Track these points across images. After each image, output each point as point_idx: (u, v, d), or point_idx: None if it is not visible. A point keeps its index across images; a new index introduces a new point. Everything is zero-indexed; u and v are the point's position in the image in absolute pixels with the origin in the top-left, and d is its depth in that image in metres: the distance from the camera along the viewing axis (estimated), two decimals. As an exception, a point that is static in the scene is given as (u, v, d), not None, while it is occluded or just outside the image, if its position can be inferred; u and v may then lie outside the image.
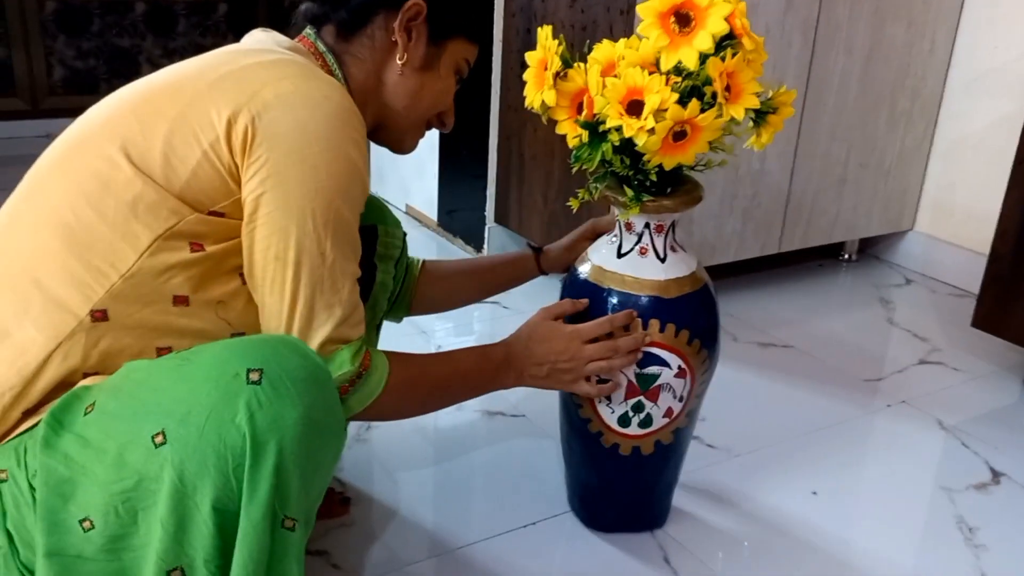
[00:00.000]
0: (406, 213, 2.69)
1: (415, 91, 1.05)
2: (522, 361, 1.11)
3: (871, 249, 2.52)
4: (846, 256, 2.47)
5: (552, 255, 1.37)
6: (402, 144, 1.13)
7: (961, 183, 2.30)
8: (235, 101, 0.86)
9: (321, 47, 1.02)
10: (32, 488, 0.80)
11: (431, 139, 2.40)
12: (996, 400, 1.77)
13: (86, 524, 0.78)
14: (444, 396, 1.09)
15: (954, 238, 2.33)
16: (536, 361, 1.11)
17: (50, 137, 3.10)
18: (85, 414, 0.80)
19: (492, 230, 2.31)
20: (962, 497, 1.43)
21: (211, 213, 0.87)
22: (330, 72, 1.01)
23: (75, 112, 3.29)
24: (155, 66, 3.27)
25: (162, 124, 0.87)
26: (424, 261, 1.36)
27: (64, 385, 0.85)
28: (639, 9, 0.97)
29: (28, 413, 0.85)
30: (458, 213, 2.44)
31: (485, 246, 2.31)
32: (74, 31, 3.14)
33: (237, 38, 1.04)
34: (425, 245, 2.47)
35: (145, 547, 0.78)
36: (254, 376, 0.77)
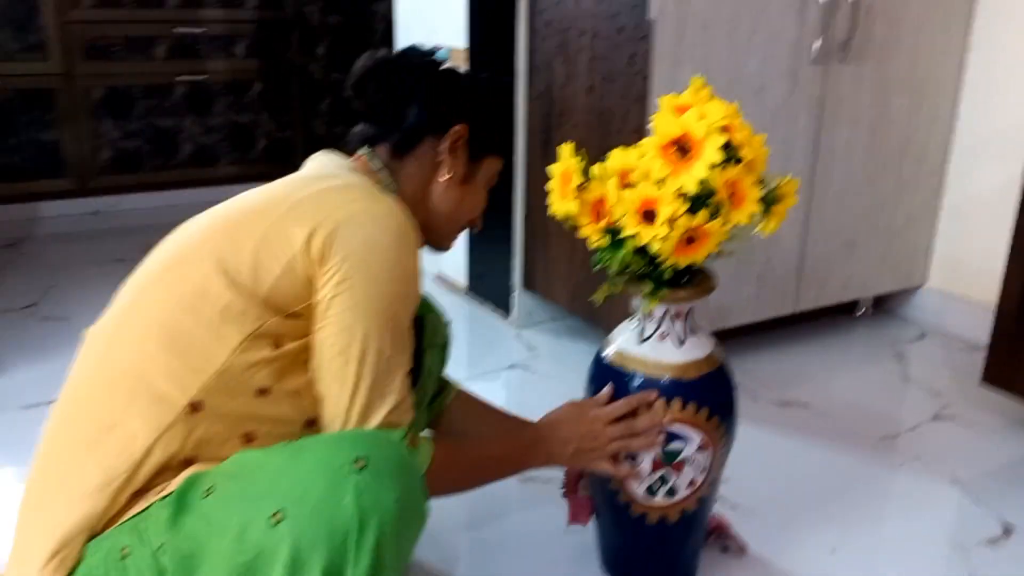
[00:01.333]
0: (436, 279, 2.82)
1: (457, 201, 1.22)
2: (549, 443, 1.24)
3: (886, 304, 2.61)
4: (861, 312, 2.56)
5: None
6: (442, 244, 1.28)
7: (970, 240, 2.40)
8: (313, 220, 1.01)
9: (375, 165, 1.17)
10: (156, 561, 0.92)
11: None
12: (1007, 455, 1.84)
13: None
14: (480, 476, 1.22)
15: (966, 292, 2.42)
16: (562, 441, 1.24)
17: (98, 215, 3.30)
18: (205, 496, 0.93)
19: (520, 296, 2.43)
20: (976, 553, 1.51)
21: (289, 316, 1.01)
22: (384, 186, 1.16)
23: (121, 190, 3.46)
24: (195, 144, 3.46)
25: (250, 242, 1.01)
26: (459, 391, 1.47)
27: (165, 469, 0.98)
28: (642, 144, 1.10)
29: (136, 495, 0.98)
30: (486, 279, 2.56)
31: (514, 311, 2.43)
32: (119, 114, 3.33)
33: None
34: (455, 310, 2.59)
35: None
36: (360, 464, 0.90)
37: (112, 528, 0.98)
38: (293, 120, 3.52)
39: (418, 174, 1.19)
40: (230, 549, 0.90)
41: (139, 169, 3.40)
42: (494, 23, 2.28)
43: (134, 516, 0.97)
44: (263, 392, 1.01)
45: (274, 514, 0.89)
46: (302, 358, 1.03)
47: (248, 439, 1.02)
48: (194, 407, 0.98)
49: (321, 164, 1.16)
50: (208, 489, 0.94)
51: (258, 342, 1.00)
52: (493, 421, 1.46)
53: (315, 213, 1.01)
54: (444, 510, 1.58)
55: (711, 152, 1.06)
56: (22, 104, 3.17)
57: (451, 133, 1.17)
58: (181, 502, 0.94)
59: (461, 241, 2.62)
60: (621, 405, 1.23)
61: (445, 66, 1.22)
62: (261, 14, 3.42)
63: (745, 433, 1.58)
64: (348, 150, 1.20)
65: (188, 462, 0.99)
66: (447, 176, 1.19)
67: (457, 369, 2.17)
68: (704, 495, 1.30)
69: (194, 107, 3.45)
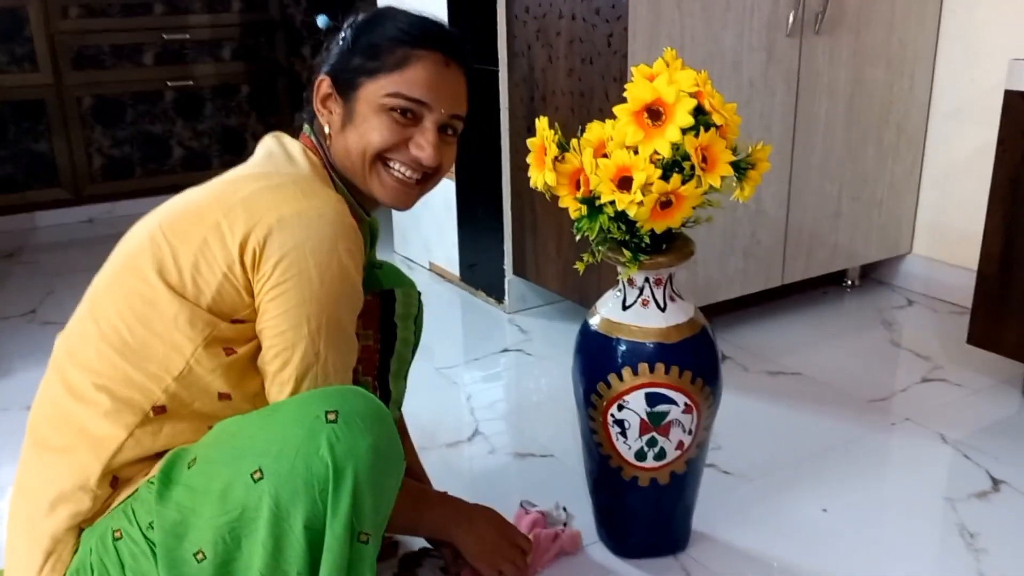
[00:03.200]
0: (430, 270, 2.85)
1: (353, 144, 1.12)
2: (466, 523, 1.30)
3: (873, 273, 2.64)
4: (849, 282, 2.60)
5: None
6: (374, 192, 1.15)
7: (953, 206, 2.43)
8: (246, 226, 1.00)
9: (315, 141, 1.17)
10: (146, 538, 0.97)
11: (449, 199, 2.58)
12: (996, 412, 1.88)
13: (199, 556, 0.95)
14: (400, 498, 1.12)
15: (951, 258, 2.45)
16: (478, 537, 1.30)
17: (92, 222, 3.34)
18: (188, 468, 0.98)
19: (512, 282, 2.46)
20: (963, 506, 1.54)
21: (235, 321, 1.03)
22: (326, 161, 1.15)
23: (114, 197, 3.49)
24: (186, 148, 3.49)
25: (188, 251, 1.02)
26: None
27: (141, 461, 1.03)
28: (615, 110, 1.13)
29: (118, 486, 1.03)
30: (479, 267, 2.59)
31: (506, 297, 2.46)
32: (110, 122, 3.36)
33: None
34: (449, 299, 2.62)
35: (248, 568, 0.95)
36: (331, 416, 0.94)
37: (103, 517, 1.03)
38: (281, 121, 3.55)
39: (328, 138, 1.16)
40: (215, 511, 0.94)
41: (131, 176, 3.44)
42: (474, 11, 2.31)
43: (124, 501, 1.01)
44: (224, 396, 1.04)
45: (254, 472, 0.93)
46: (254, 364, 1.06)
47: None
48: (157, 410, 1.02)
49: (266, 152, 1.14)
50: (191, 461, 0.99)
51: (211, 349, 1.02)
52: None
53: (247, 219, 1.01)
54: (442, 486, 1.61)
55: (682, 116, 1.09)
56: (13, 115, 3.20)
57: (316, 90, 1.15)
58: (167, 478, 0.98)
59: (451, 229, 2.65)
60: (529, 543, 1.34)
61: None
62: (246, 17, 3.45)
63: (737, 403, 1.62)
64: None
65: (161, 454, 1.04)
66: (328, 131, 1.14)
67: (452, 355, 2.21)
68: (693, 457, 1.33)
69: (183, 112, 3.48)
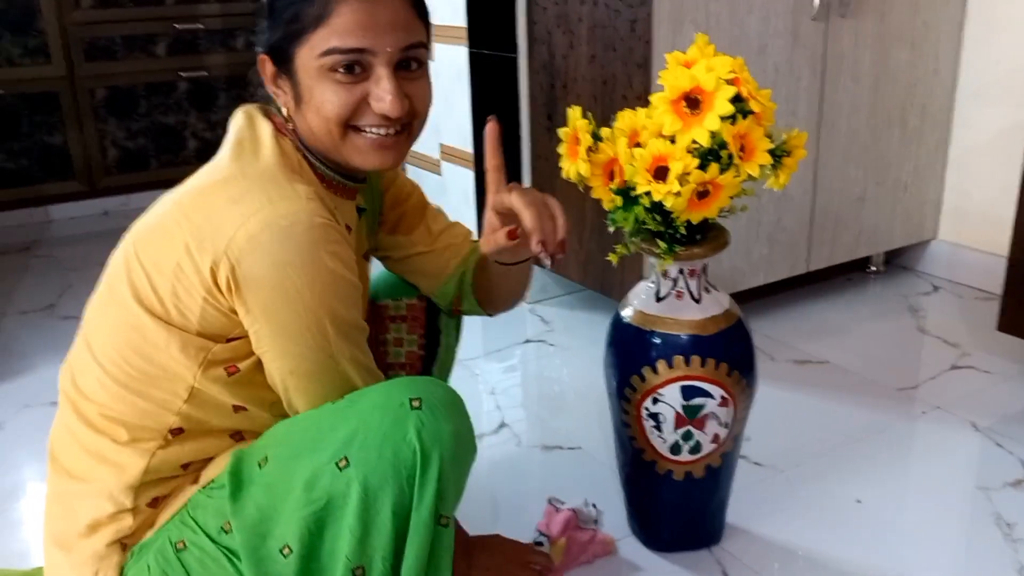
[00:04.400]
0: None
1: (311, 126, 1.02)
2: (477, 553, 1.28)
3: (898, 259, 2.61)
4: (873, 268, 2.56)
5: (483, 241, 1.13)
6: (354, 162, 1.04)
7: (978, 190, 2.40)
8: (214, 249, 0.93)
9: (282, 119, 1.05)
10: (216, 544, 0.97)
11: (468, 187, 2.55)
12: (1027, 399, 1.86)
13: (285, 551, 0.94)
14: None
15: (976, 243, 2.42)
16: (484, 567, 1.27)
17: (107, 215, 3.33)
18: (260, 467, 0.97)
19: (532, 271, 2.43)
20: (999, 495, 1.52)
21: (230, 340, 0.99)
22: (298, 142, 1.04)
23: (129, 189, 3.47)
24: (200, 139, 3.48)
25: (165, 279, 0.96)
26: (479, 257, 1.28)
27: (172, 478, 1.02)
28: (652, 99, 1.10)
29: (157, 502, 1.02)
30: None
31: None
32: (123, 114, 3.34)
33: (274, 106, 1.08)
34: (469, 290, 2.60)
35: (333, 555, 0.94)
36: (415, 403, 0.93)
37: (154, 531, 1.01)
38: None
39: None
40: (300, 502, 0.93)
41: (146, 167, 3.42)
42: (492, -1, 2.28)
43: (178, 512, 1.00)
44: (239, 409, 1.03)
45: (339, 461, 0.93)
46: (262, 374, 1.02)
47: (237, 438, 1.05)
48: (175, 432, 1.01)
49: (236, 143, 1.02)
50: (262, 460, 0.97)
51: (211, 371, 0.99)
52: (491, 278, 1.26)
53: (215, 241, 0.93)
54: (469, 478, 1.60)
55: (722, 104, 1.06)
56: (27, 108, 3.18)
57: (262, 70, 1.04)
58: (237, 479, 0.97)
59: (470, 219, 2.63)
60: (545, 557, 1.31)
61: None
62: (258, 6, 3.42)
63: (765, 393, 1.59)
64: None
65: (187, 465, 1.03)
66: (288, 109, 1.03)
67: (474, 347, 2.19)
68: (728, 450, 1.31)
69: (197, 103, 3.46)
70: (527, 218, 1.01)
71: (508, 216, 1.06)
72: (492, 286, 1.26)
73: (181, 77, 3.39)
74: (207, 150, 3.51)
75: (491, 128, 1.05)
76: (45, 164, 3.26)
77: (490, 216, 1.08)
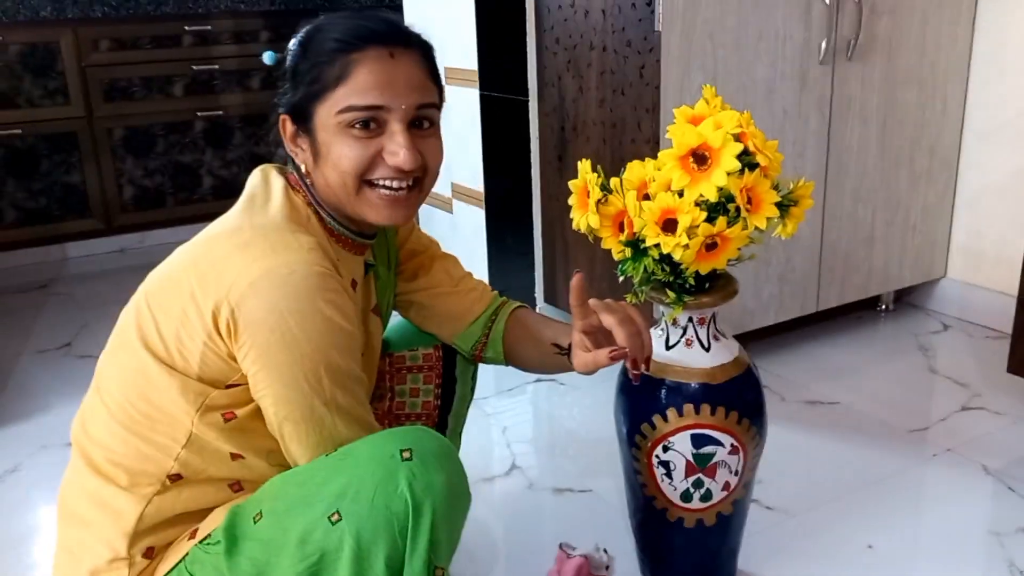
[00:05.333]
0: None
1: (328, 182, 1.06)
2: None
3: (907, 298, 2.62)
4: (883, 307, 2.57)
5: (578, 360, 1.16)
6: (368, 217, 1.07)
7: (988, 229, 2.40)
8: (216, 294, 0.96)
9: (297, 176, 1.10)
10: None
11: (479, 227, 2.58)
12: (1039, 441, 1.85)
13: None
14: None
15: (986, 282, 2.42)
16: None
17: (123, 252, 3.34)
18: (255, 522, 0.98)
19: (543, 310, 2.45)
20: (1011, 540, 1.52)
21: (228, 386, 1.02)
22: (312, 198, 1.08)
23: (145, 227, 3.49)
24: (216, 177, 3.52)
25: (171, 323, 1.00)
26: (517, 308, 1.34)
27: (168, 527, 1.04)
28: (661, 155, 1.13)
29: (150, 552, 1.04)
30: (509, 295, 2.58)
31: (538, 326, 2.45)
32: (141, 152, 3.39)
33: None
34: (480, 328, 2.61)
35: None
36: (406, 454, 0.94)
37: None
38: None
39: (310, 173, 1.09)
40: (294, 557, 0.94)
41: (162, 205, 3.46)
42: (503, 42, 2.32)
43: (176, 566, 1.02)
44: (236, 456, 1.04)
45: (331, 515, 0.93)
46: (259, 422, 1.04)
47: (235, 488, 1.07)
48: (173, 478, 1.03)
49: (249, 195, 1.08)
50: (256, 515, 0.98)
51: (209, 415, 1.01)
52: (534, 351, 1.29)
53: (217, 287, 0.97)
54: (476, 522, 1.61)
55: (728, 160, 1.08)
56: (46, 148, 3.24)
57: (282, 130, 1.09)
58: (231, 534, 0.98)
59: (480, 256, 2.65)
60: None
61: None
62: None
63: (776, 434, 1.59)
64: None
65: (183, 515, 1.05)
66: (304, 168, 1.08)
67: (483, 386, 2.19)
68: (739, 497, 1.32)
69: (213, 141, 3.51)
70: (621, 337, 1.06)
71: (595, 334, 1.11)
72: (529, 354, 1.30)
73: (197, 116, 3.44)
74: (222, 188, 3.57)
75: (576, 281, 1.09)
76: (63, 202, 3.31)
77: (578, 337, 1.12)
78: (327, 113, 1.02)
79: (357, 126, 1.02)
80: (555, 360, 1.25)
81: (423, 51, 1.07)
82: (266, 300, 0.95)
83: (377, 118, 1.02)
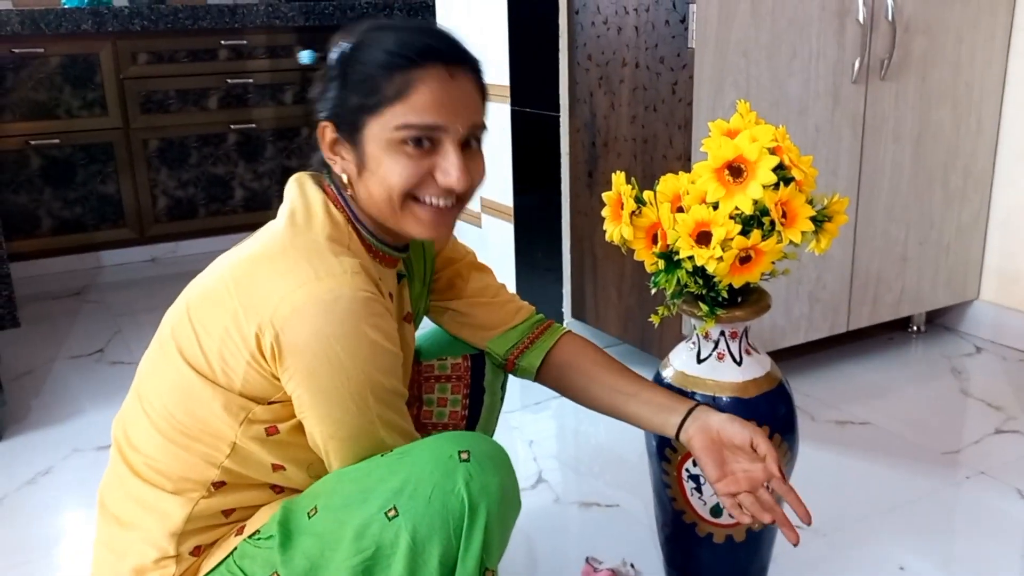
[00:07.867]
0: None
1: (372, 194, 1.04)
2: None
3: (939, 319, 2.59)
4: (915, 328, 2.54)
5: (699, 439, 1.14)
6: (410, 232, 1.07)
7: (1021, 251, 2.38)
8: (259, 317, 0.96)
9: (335, 191, 1.08)
10: None
11: (507, 242, 2.59)
12: (1075, 466, 1.82)
13: None
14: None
15: (1020, 304, 2.39)
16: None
17: (155, 261, 3.39)
18: (310, 517, 0.99)
19: (571, 325, 2.45)
20: (1047, 565, 1.49)
21: (271, 403, 1.02)
22: (350, 214, 1.07)
23: (177, 237, 3.56)
24: (247, 189, 3.56)
25: (213, 340, 1.00)
26: (570, 332, 1.34)
27: (214, 527, 1.05)
28: (696, 167, 1.13)
29: (199, 550, 1.05)
30: (537, 310, 2.59)
31: (565, 341, 2.45)
32: (175, 164, 3.45)
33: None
34: (508, 342, 2.61)
35: None
36: (464, 455, 0.96)
37: None
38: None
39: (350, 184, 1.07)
40: (349, 551, 0.95)
41: (194, 216, 3.51)
42: (535, 58, 2.34)
43: (223, 561, 1.03)
44: (278, 467, 1.05)
45: (388, 511, 0.95)
46: (301, 436, 1.04)
47: (277, 490, 1.08)
48: (217, 485, 1.04)
49: (288, 213, 1.05)
50: (311, 510, 0.99)
51: (251, 428, 1.02)
52: (600, 393, 1.27)
53: (261, 309, 0.97)
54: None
55: (764, 173, 1.08)
56: (83, 158, 3.30)
57: (321, 137, 1.06)
58: (286, 528, 0.99)
59: (508, 272, 2.66)
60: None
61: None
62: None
63: (806, 454, 1.58)
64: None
65: (229, 513, 1.06)
66: (346, 178, 1.05)
67: (509, 401, 2.18)
68: (769, 513, 1.31)
69: (245, 154, 3.56)
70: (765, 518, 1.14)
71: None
72: (583, 386, 1.29)
73: (231, 129, 3.49)
74: (254, 200, 3.62)
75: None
76: (98, 212, 3.37)
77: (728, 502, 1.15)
78: (381, 127, 1.00)
79: (411, 143, 1.00)
80: (612, 404, 1.25)
81: (477, 71, 1.05)
82: (311, 326, 0.95)
83: (432, 137, 1.01)
